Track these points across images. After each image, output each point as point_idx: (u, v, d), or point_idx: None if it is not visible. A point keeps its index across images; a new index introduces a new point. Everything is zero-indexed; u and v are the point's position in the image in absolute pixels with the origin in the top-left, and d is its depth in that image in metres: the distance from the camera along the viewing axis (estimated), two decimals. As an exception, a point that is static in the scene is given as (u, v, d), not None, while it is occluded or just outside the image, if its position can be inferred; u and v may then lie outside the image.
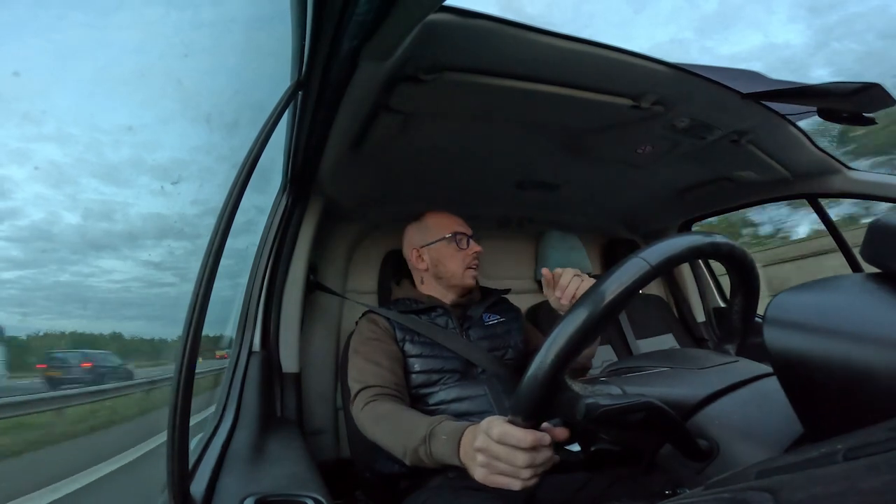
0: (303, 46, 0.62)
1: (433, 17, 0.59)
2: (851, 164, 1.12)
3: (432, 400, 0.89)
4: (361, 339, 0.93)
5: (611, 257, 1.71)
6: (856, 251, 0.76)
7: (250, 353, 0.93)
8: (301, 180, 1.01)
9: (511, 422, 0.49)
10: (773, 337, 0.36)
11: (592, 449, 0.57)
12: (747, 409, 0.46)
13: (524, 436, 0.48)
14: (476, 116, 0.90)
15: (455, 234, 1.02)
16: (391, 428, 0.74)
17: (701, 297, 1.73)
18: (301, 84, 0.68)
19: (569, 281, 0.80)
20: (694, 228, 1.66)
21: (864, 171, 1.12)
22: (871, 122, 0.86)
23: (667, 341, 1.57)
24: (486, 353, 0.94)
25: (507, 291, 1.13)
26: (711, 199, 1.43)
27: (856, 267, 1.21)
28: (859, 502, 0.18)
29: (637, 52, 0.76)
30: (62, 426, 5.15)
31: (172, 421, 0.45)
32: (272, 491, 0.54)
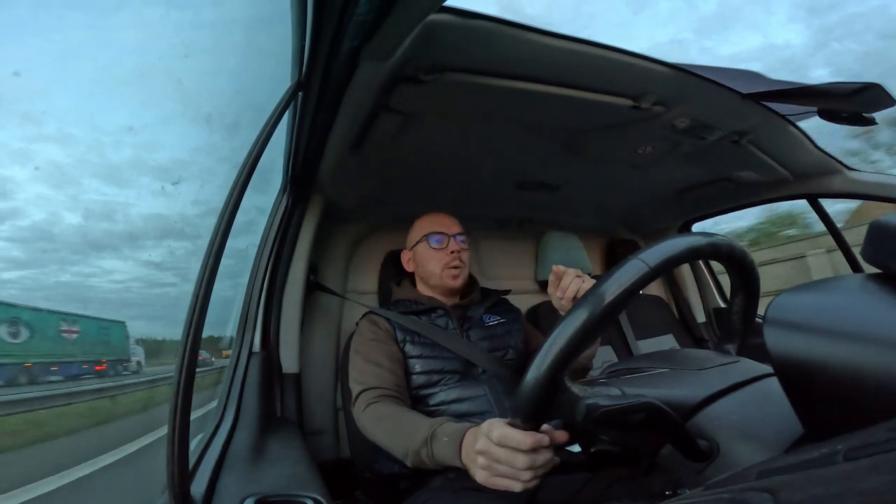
0: (303, 47, 0.62)
1: (433, 17, 0.59)
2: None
3: (433, 401, 0.89)
4: (362, 339, 0.93)
5: (611, 257, 1.71)
6: (856, 251, 0.76)
7: (250, 353, 0.93)
8: (301, 181, 1.01)
9: (511, 424, 0.49)
10: (774, 337, 0.36)
11: (592, 450, 0.57)
12: (747, 409, 0.46)
13: (524, 438, 0.48)
14: (476, 117, 0.90)
15: (430, 234, 1.00)
16: (392, 429, 0.74)
17: (701, 297, 1.73)
18: (301, 84, 0.69)
19: (570, 282, 0.80)
20: (694, 228, 1.66)
21: (864, 171, 1.12)
22: (872, 122, 0.86)
23: (667, 342, 1.57)
24: (487, 353, 0.94)
25: (508, 292, 1.13)
26: (712, 199, 1.43)
27: (856, 267, 1.21)
28: (859, 503, 0.18)
29: (637, 52, 0.76)
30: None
31: (173, 421, 0.45)
32: (272, 491, 0.54)
